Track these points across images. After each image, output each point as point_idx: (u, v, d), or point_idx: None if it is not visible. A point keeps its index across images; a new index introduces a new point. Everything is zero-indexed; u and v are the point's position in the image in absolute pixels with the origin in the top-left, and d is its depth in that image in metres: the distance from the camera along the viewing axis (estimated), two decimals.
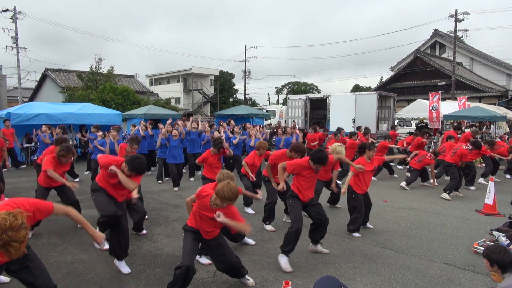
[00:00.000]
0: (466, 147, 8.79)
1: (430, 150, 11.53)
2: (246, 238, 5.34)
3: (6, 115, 12.96)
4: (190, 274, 3.57)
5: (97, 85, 25.26)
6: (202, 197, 3.66)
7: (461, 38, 32.07)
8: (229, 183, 3.41)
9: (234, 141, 10.16)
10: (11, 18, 26.17)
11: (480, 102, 27.42)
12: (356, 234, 5.71)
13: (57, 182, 5.66)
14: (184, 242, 3.73)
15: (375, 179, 10.31)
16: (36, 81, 34.40)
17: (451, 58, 29.38)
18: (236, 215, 3.59)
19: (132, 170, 4.17)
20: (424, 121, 19.54)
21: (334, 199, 7.48)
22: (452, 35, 29.11)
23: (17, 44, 26.64)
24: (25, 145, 13.98)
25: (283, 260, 4.47)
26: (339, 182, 8.01)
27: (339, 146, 6.12)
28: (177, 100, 43.79)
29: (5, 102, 28.98)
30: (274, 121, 22.19)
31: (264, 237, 5.63)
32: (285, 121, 21.08)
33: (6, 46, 26.74)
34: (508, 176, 11.35)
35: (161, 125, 12.26)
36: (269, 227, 6.08)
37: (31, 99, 33.15)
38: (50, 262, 4.58)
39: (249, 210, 7.10)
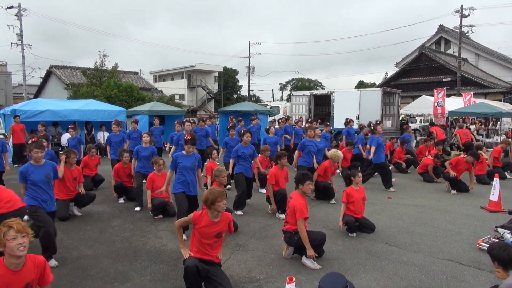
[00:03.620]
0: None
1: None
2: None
3: (11, 112, 13.05)
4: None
5: (102, 82, 25.36)
6: (198, 216, 3.67)
7: (467, 34, 31.79)
8: (212, 188, 3.71)
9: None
10: (16, 15, 26.30)
11: (485, 98, 27.21)
12: (350, 234, 5.60)
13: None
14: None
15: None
16: (41, 78, 34.58)
17: (456, 54, 29.16)
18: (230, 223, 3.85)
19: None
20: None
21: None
22: (457, 30, 28.86)
23: (22, 41, 26.78)
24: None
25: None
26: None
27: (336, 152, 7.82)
28: (181, 96, 43.83)
29: (10, 99, 29.21)
30: (276, 118, 22.16)
31: (268, 234, 5.65)
32: (289, 117, 21.03)
33: (11, 43, 26.90)
34: None
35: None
36: (282, 216, 6.37)
37: (36, 95, 33.35)
38: (56, 257, 4.62)
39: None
